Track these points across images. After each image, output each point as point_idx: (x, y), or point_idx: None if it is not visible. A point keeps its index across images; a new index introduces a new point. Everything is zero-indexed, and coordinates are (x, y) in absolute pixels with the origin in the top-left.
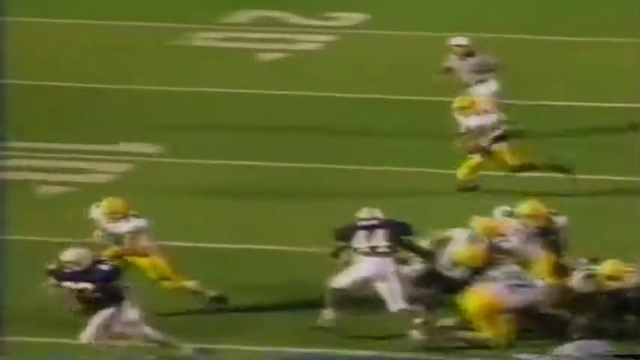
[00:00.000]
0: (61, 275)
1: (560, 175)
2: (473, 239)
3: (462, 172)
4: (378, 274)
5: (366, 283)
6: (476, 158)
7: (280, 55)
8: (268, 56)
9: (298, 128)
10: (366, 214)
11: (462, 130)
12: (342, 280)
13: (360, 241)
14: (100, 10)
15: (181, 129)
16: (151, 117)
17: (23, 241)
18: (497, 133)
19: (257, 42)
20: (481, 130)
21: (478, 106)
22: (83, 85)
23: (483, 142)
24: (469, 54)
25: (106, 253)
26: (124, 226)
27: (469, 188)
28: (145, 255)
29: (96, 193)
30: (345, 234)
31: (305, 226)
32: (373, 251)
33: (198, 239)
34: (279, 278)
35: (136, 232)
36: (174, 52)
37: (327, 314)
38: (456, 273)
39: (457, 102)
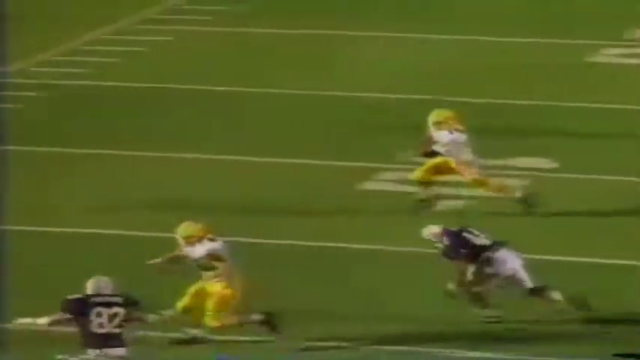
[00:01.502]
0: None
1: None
2: None
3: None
4: None
5: None
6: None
7: None
8: None
9: None
10: None
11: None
12: None
13: None
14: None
15: (573, 144)
16: (544, 131)
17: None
18: (463, 152)
19: None
20: (450, 147)
21: (451, 123)
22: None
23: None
24: None
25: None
26: (198, 250)
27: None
28: (220, 279)
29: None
30: None
31: None
32: None
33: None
34: None
35: (211, 255)
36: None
37: None
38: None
39: (433, 115)
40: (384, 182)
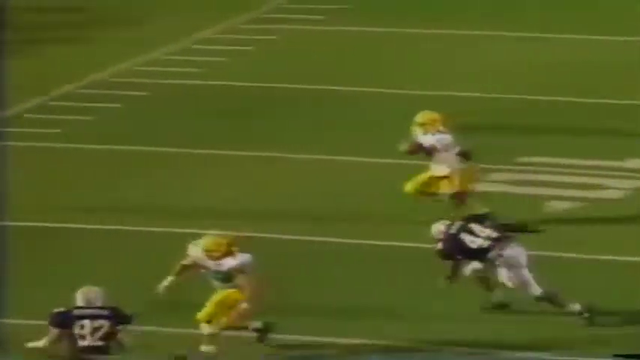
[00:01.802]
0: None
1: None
2: None
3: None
4: None
5: None
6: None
7: None
8: None
9: None
10: None
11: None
12: None
13: None
14: None
15: None
16: None
17: None
18: (448, 153)
19: None
20: (431, 150)
21: (437, 125)
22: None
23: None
24: None
25: None
26: (229, 263)
27: None
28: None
29: (606, 209)
30: None
31: None
32: None
33: None
34: None
35: (242, 268)
36: None
37: None
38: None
39: (418, 116)
40: (496, 184)
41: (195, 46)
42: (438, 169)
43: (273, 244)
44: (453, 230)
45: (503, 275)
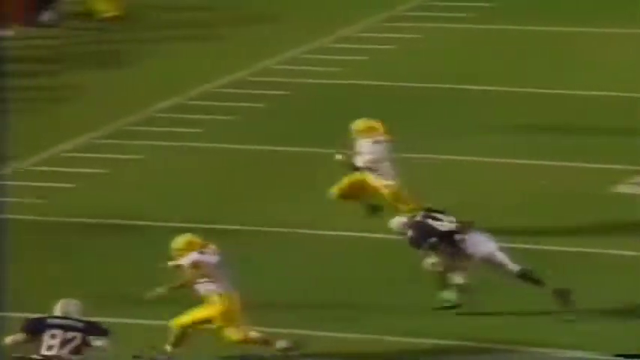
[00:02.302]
0: None
1: None
2: None
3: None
4: None
5: None
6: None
7: None
8: None
9: None
10: None
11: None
12: None
13: None
14: None
15: None
16: None
17: None
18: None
19: None
20: (371, 157)
21: (375, 133)
22: None
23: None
24: None
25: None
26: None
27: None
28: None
29: None
30: None
31: None
32: None
33: None
34: None
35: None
36: None
37: None
38: None
39: (356, 124)
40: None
41: (335, 45)
42: (374, 177)
43: None
44: (419, 218)
45: (475, 252)
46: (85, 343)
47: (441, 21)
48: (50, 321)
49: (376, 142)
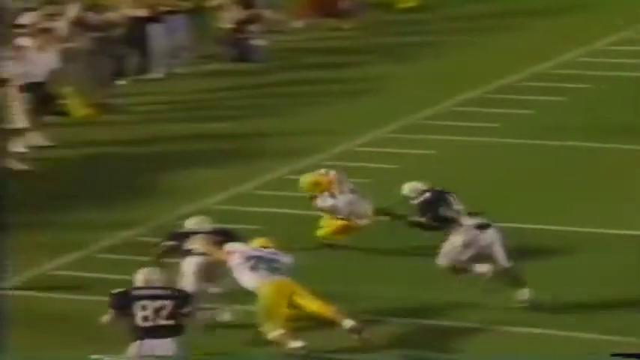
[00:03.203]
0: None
1: None
2: None
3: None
4: None
5: None
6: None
7: None
8: None
9: None
10: None
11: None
12: None
13: None
14: None
15: None
16: None
17: None
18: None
19: None
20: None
21: (331, 187)
22: None
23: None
24: None
25: None
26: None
27: None
28: None
29: None
30: None
31: None
32: None
33: None
34: None
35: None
36: None
37: None
38: None
39: (304, 179)
40: None
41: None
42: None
43: None
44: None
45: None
46: (177, 309)
47: None
48: (136, 292)
49: (329, 196)
